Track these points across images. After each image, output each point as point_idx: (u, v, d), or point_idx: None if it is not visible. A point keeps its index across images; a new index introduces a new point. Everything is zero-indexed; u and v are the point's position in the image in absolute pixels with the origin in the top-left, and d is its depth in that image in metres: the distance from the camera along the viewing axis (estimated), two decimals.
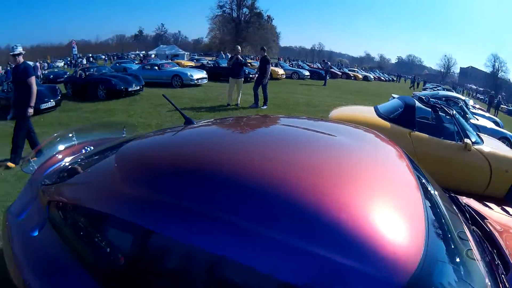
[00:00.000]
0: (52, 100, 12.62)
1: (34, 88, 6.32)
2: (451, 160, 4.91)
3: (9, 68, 46.05)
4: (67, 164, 2.33)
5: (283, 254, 1.12)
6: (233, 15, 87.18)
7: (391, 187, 1.51)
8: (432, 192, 1.77)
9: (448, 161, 4.91)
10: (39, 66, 34.30)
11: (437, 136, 5.07)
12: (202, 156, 1.65)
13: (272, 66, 24.75)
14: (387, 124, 5.27)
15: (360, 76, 42.94)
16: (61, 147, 2.86)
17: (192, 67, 24.51)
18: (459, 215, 1.83)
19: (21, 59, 6.23)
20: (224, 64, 22.94)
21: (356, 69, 52.67)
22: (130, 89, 14.33)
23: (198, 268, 1.28)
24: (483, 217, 2.15)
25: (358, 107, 7.11)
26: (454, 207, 1.96)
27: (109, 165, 1.77)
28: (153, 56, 51.71)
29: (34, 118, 10.30)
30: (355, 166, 1.64)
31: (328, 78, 26.99)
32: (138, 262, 1.36)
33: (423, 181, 1.79)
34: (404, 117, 5.25)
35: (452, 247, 1.38)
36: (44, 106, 12.14)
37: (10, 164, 6.24)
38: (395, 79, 59.14)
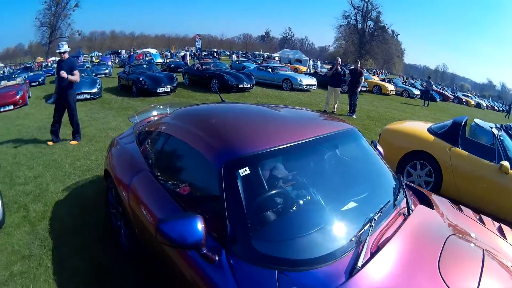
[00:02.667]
0: (168, 86, 15.27)
1: (77, 78, 7.51)
2: (484, 180, 4.85)
3: (132, 53, 50.34)
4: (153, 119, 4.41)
5: None
6: (358, 26, 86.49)
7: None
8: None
9: (481, 181, 4.88)
10: (134, 55, 37.09)
11: (479, 155, 5.05)
12: (229, 111, 3.40)
13: (385, 82, 26.17)
14: (431, 137, 5.54)
15: (473, 103, 39.73)
16: (154, 112, 5.00)
17: (304, 73, 25.77)
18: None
19: (66, 55, 7.37)
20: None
21: (470, 95, 48.26)
22: (241, 86, 16.16)
23: None
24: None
25: (416, 122, 7.10)
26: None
27: (171, 114, 3.44)
28: (276, 58, 51.90)
29: (150, 99, 14.16)
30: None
31: (431, 97, 25.51)
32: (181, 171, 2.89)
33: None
34: (448, 133, 5.46)
35: None
36: (160, 90, 14.96)
37: (73, 142, 7.91)
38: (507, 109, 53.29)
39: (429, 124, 6.14)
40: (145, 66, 19.11)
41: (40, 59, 67.83)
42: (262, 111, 3.18)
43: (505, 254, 2.27)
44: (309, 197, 2.28)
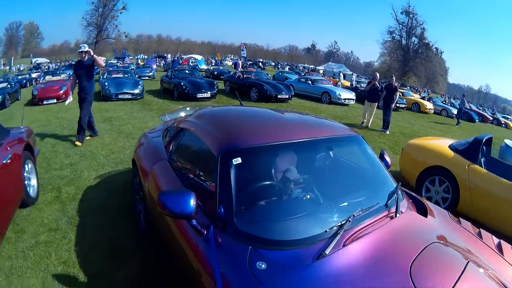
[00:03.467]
0: (208, 92, 15.83)
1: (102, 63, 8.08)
2: (502, 199, 4.70)
3: (176, 58, 51.79)
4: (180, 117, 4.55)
5: None
6: (402, 42, 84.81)
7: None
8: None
9: (499, 200, 4.74)
10: (178, 60, 37.81)
11: (500, 174, 4.86)
12: (239, 112, 3.78)
13: (424, 100, 26.25)
14: (450, 153, 5.57)
15: None
16: (182, 113, 5.22)
17: (345, 87, 25.84)
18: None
19: (86, 56, 7.69)
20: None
21: (511, 117, 45.66)
22: (279, 96, 16.49)
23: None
24: None
25: (441, 139, 7.07)
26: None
27: (193, 114, 3.75)
28: (321, 71, 52.04)
29: (190, 103, 14.59)
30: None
31: (469, 118, 25.32)
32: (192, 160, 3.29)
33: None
34: (468, 149, 5.42)
35: None
36: (200, 95, 15.54)
37: (78, 143, 7.79)
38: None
39: (448, 142, 6.16)
40: (187, 71, 19.99)
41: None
42: (269, 114, 3.50)
43: (495, 268, 2.26)
44: (297, 191, 2.62)
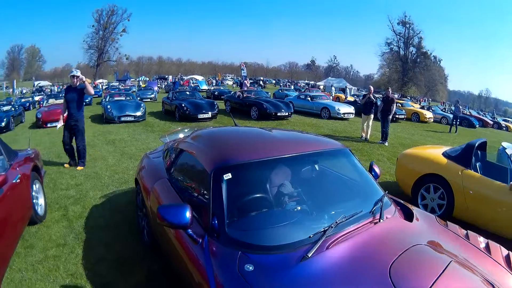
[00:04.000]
0: (209, 112, 16.20)
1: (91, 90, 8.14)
2: (495, 202, 4.81)
3: (177, 79, 52.45)
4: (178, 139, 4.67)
5: None
6: (400, 53, 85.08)
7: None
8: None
9: (492, 203, 4.86)
10: (179, 81, 38.45)
11: (493, 177, 5.06)
12: (231, 132, 4.20)
13: (424, 109, 26.76)
14: (444, 160, 5.70)
15: None
16: (181, 135, 5.30)
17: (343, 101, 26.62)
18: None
19: (77, 81, 7.69)
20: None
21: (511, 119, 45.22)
22: (279, 114, 16.88)
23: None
24: None
25: (436, 147, 7.11)
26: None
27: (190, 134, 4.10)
28: (321, 87, 52.75)
29: (192, 124, 14.96)
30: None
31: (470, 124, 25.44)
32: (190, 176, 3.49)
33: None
34: (461, 155, 5.57)
35: None
36: (201, 116, 15.87)
37: (79, 167, 7.91)
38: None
39: (442, 149, 6.29)
40: (188, 92, 20.43)
41: (88, 80, 71.86)
42: (258, 132, 3.84)
43: (482, 268, 2.39)
44: (285, 201, 2.91)
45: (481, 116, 36.35)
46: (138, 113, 15.77)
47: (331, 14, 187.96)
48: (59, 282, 3.46)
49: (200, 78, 59.55)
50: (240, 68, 63.26)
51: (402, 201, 3.35)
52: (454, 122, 21.03)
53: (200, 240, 2.42)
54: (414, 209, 3.15)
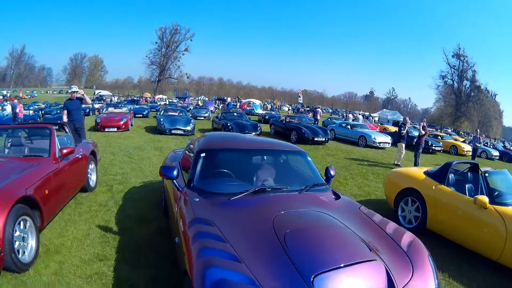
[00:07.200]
0: (252, 133, 17.80)
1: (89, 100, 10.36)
2: (463, 215, 5.24)
3: (233, 103, 54.64)
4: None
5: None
6: (455, 86, 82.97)
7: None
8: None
9: (458, 215, 5.31)
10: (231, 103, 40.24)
11: (463, 192, 5.57)
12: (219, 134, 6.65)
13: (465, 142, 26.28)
14: (422, 176, 6.32)
15: None
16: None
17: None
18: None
19: (75, 95, 9.60)
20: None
21: None
22: (316, 139, 17.82)
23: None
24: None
25: (424, 168, 7.33)
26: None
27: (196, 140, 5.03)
28: (376, 119, 53.51)
29: None
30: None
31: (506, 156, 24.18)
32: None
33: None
34: (438, 172, 6.14)
35: None
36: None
37: None
38: None
39: (424, 169, 6.84)
40: (235, 114, 22.64)
41: (147, 94, 76.59)
42: (237, 135, 5.71)
43: (366, 235, 3.01)
44: (238, 174, 4.19)
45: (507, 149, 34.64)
46: (188, 128, 17.78)
47: (392, 44, 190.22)
48: (95, 223, 5.14)
49: (257, 102, 61.56)
50: (297, 95, 65.30)
51: (343, 194, 4.27)
52: (473, 155, 19.81)
53: (181, 188, 3.83)
54: (346, 197, 4.16)
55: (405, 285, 2.50)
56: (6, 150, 5.37)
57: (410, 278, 2.58)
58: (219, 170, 4.19)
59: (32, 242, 3.92)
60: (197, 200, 3.45)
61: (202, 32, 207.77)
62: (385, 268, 2.55)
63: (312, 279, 2.28)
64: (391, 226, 3.33)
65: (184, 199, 3.56)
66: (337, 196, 3.99)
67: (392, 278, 2.49)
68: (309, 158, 4.63)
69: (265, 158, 4.61)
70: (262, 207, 3.32)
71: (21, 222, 3.74)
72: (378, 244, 2.90)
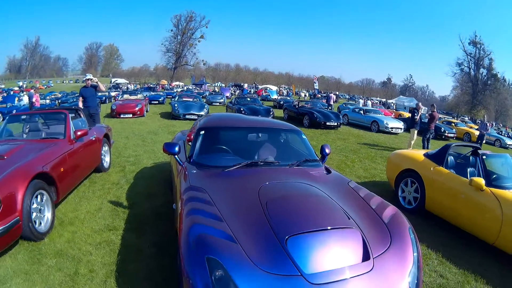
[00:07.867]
0: (264, 117, 17.49)
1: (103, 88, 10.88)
2: (456, 192, 5.36)
3: (249, 89, 54.67)
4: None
5: None
6: (471, 74, 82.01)
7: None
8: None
9: (453, 194, 5.40)
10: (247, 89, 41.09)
11: (461, 174, 5.61)
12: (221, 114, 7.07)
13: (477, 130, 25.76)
14: (421, 158, 6.41)
15: None
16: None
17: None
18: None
19: (90, 83, 10.21)
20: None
21: None
22: (328, 123, 17.94)
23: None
24: None
25: (425, 150, 7.59)
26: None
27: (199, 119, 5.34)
28: (392, 104, 53.16)
29: None
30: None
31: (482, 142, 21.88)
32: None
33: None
34: (436, 154, 6.23)
35: None
36: None
37: None
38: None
39: (424, 151, 6.97)
40: (249, 99, 23.18)
41: (164, 81, 76.92)
42: (238, 116, 6.08)
43: (345, 202, 3.19)
44: (235, 150, 4.42)
45: None
46: (202, 113, 18.17)
47: (410, 31, 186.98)
48: (107, 199, 5.56)
49: (274, 88, 61.52)
50: (313, 82, 64.89)
51: (336, 171, 4.48)
52: (480, 142, 19.10)
53: (182, 163, 4.13)
54: (338, 173, 4.35)
55: (380, 254, 2.56)
56: (25, 135, 5.78)
57: (387, 249, 2.63)
58: (217, 146, 4.46)
59: (48, 214, 4.33)
60: (194, 171, 3.76)
61: (218, 19, 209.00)
62: (362, 237, 2.63)
63: (285, 240, 2.46)
64: (376, 199, 3.41)
65: (184, 172, 3.86)
66: (328, 172, 4.18)
67: (368, 246, 2.57)
68: (304, 136, 4.86)
69: (260, 136, 4.81)
70: (252, 177, 3.59)
71: (38, 196, 4.14)
72: (358, 215, 3.00)
